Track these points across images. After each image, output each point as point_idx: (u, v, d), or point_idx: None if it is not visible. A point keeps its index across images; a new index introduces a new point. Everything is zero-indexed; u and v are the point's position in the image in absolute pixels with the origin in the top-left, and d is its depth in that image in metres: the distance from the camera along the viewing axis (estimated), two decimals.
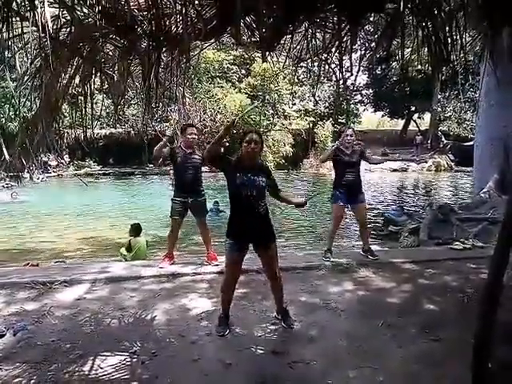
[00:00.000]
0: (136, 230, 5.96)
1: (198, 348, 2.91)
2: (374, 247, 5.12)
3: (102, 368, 2.65)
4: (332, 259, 4.69)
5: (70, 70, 2.88)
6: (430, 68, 3.25)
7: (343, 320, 3.36)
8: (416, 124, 30.15)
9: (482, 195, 7.82)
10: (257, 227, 3.05)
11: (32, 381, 2.52)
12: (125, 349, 2.87)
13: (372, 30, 3.18)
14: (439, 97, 25.53)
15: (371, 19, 2.95)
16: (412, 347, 2.91)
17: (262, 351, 2.88)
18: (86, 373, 2.61)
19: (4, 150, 2.77)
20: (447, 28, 2.65)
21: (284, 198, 3.31)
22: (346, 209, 5.00)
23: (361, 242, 5.13)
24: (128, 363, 2.71)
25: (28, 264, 5.38)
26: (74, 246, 7.52)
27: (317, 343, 2.98)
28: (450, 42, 2.65)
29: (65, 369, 2.63)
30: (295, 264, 4.56)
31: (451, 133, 24.93)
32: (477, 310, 1.96)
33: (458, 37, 2.72)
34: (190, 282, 4.19)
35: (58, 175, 19.36)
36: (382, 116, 33.14)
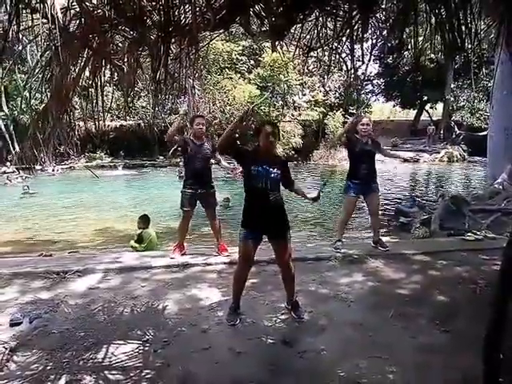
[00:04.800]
0: (145, 221, 6.00)
1: (209, 337, 2.95)
2: (384, 238, 5.09)
3: (115, 356, 2.71)
4: (342, 250, 4.67)
5: (79, 62, 2.88)
6: (443, 57, 3.20)
7: (353, 310, 3.37)
8: (428, 114, 29.66)
9: (496, 186, 7.72)
10: (271, 219, 3.07)
11: (48, 367, 2.59)
12: (137, 337, 2.93)
13: (384, 17, 3.12)
14: (452, 86, 25.01)
15: (383, 6, 2.90)
16: (423, 338, 2.91)
17: (272, 341, 2.91)
18: (100, 360, 2.67)
19: (15, 143, 2.81)
20: (461, 15, 2.58)
21: (297, 191, 3.32)
22: (358, 200, 4.96)
23: (371, 233, 5.10)
24: (140, 351, 2.77)
25: (42, 254, 5.48)
26: (86, 236, 7.62)
27: (327, 333, 3.00)
28: (463, 29, 2.59)
29: (79, 356, 2.69)
30: (305, 255, 4.57)
31: (464, 123, 24.48)
32: (488, 302, 1.95)
33: (472, 24, 2.66)
34: (201, 272, 4.23)
35: (70, 167, 19.55)
36: (394, 106, 32.66)
